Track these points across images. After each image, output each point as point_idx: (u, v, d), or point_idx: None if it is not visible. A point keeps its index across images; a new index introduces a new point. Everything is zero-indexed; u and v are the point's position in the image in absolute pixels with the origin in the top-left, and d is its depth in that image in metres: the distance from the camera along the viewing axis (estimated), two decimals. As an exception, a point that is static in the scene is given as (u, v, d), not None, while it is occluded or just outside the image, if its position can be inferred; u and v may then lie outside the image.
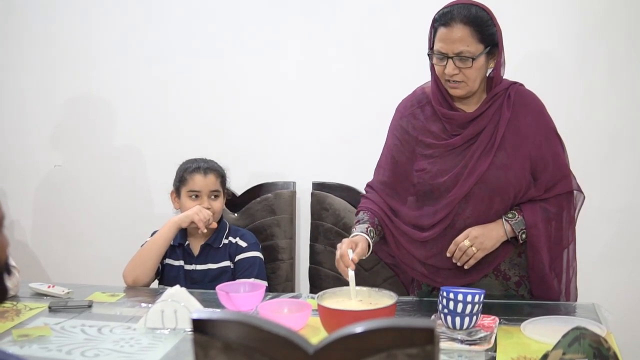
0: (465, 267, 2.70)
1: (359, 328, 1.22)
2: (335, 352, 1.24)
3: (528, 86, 2.88)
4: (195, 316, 1.32)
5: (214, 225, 3.28)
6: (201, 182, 3.32)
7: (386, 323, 1.24)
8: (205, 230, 3.23)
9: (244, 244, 3.34)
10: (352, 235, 2.77)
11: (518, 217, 2.72)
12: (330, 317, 2.32)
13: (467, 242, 2.67)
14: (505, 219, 2.72)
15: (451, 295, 2.36)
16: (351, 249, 2.62)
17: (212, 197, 3.33)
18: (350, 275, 2.54)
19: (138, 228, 3.67)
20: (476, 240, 2.67)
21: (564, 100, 3.60)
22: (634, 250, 3.71)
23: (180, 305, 2.53)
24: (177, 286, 2.64)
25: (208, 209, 3.27)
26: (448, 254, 2.72)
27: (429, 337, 1.20)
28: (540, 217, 2.72)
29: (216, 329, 1.31)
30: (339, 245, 2.67)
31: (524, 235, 2.72)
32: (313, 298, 2.59)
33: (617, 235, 3.72)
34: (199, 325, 1.32)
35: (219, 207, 3.34)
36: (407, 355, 1.21)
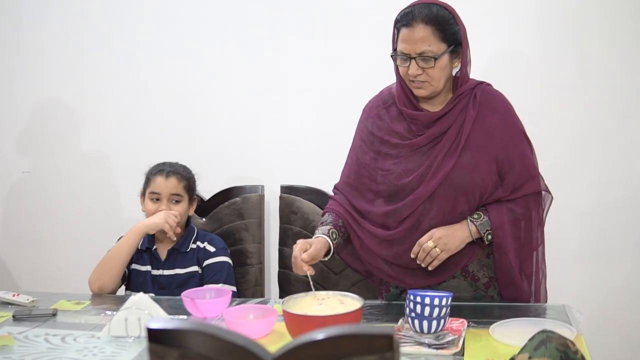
0: (430, 268, 2.68)
1: (317, 335, 1.19)
2: (293, 361, 1.21)
3: (497, 85, 2.86)
4: (151, 325, 1.28)
5: (178, 229, 3.24)
6: (162, 184, 3.28)
7: (344, 330, 1.20)
8: (174, 238, 3.21)
9: (212, 249, 3.31)
10: (314, 237, 2.76)
11: (483, 218, 2.70)
12: (295, 323, 2.29)
13: (430, 243, 2.64)
14: (470, 220, 2.70)
15: (418, 299, 2.33)
16: (304, 250, 2.62)
17: (173, 201, 3.29)
18: (308, 274, 2.57)
19: (107, 234, 3.56)
20: (440, 241, 2.64)
21: (535, 99, 3.60)
22: (605, 250, 3.69)
23: (144, 312, 2.49)
24: (141, 293, 2.60)
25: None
26: (412, 255, 2.69)
27: (388, 344, 1.17)
28: (506, 218, 2.70)
29: (172, 338, 1.27)
30: (294, 246, 2.67)
31: (489, 237, 2.70)
32: (280, 303, 2.55)
33: (588, 235, 3.70)
34: (154, 335, 1.28)
35: (180, 212, 3.28)
36: (367, 363, 1.19)
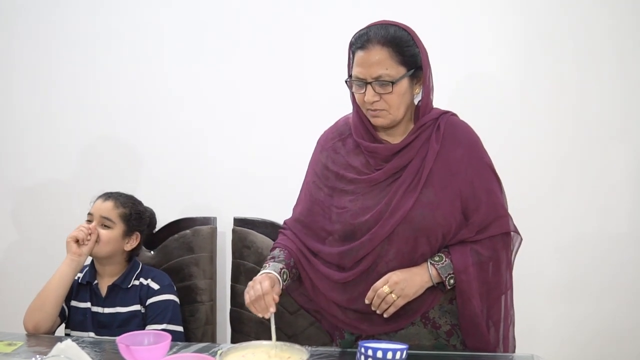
0: (385, 315, 2.45)
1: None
2: None
3: (468, 110, 2.71)
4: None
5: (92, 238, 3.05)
6: (97, 205, 3.15)
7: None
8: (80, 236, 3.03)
9: (156, 287, 3.12)
10: (263, 271, 2.54)
11: (445, 261, 2.49)
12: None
13: (386, 289, 2.42)
14: (430, 263, 2.48)
15: (370, 352, 2.13)
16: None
17: (102, 225, 3.11)
18: (271, 317, 2.35)
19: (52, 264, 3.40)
20: (397, 287, 2.42)
21: (505, 127, 3.45)
22: (581, 288, 3.51)
23: (72, 361, 2.28)
24: (68, 340, 2.40)
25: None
26: (367, 301, 2.47)
27: None
28: (470, 260, 2.49)
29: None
30: (258, 280, 2.43)
31: (451, 281, 2.49)
32: (220, 353, 2.33)
33: (562, 272, 3.51)
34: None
35: (103, 237, 3.09)
36: None
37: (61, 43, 3.92)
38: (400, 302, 2.43)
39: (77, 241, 3.01)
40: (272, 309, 2.35)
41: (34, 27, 3.94)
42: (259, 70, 3.69)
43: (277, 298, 2.39)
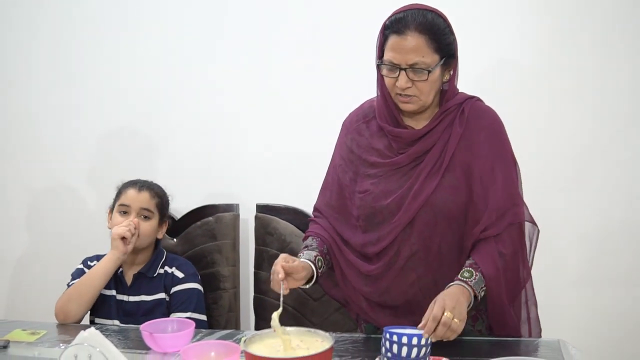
0: (451, 339, 2.28)
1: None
2: None
3: (490, 97, 2.66)
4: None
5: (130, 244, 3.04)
6: (133, 196, 3.13)
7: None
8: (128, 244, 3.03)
9: (180, 275, 3.12)
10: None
11: (476, 275, 2.39)
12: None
13: (448, 314, 2.23)
14: (463, 280, 2.37)
15: (395, 338, 2.11)
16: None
17: (142, 216, 3.12)
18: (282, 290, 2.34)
19: (74, 255, 3.39)
20: (455, 311, 2.25)
21: (530, 114, 3.39)
22: (607, 275, 3.45)
23: (96, 350, 2.27)
24: (92, 328, 2.38)
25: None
26: (425, 335, 2.20)
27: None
28: (499, 265, 2.41)
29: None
30: (276, 261, 2.41)
31: (482, 293, 2.40)
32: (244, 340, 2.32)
33: (588, 258, 3.45)
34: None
35: (146, 229, 3.11)
36: None
37: (82, 36, 3.91)
38: (461, 327, 2.28)
39: (123, 238, 3.01)
40: (285, 286, 2.34)
41: (55, 21, 3.94)
42: (281, 56, 3.66)
43: (286, 266, 2.36)
